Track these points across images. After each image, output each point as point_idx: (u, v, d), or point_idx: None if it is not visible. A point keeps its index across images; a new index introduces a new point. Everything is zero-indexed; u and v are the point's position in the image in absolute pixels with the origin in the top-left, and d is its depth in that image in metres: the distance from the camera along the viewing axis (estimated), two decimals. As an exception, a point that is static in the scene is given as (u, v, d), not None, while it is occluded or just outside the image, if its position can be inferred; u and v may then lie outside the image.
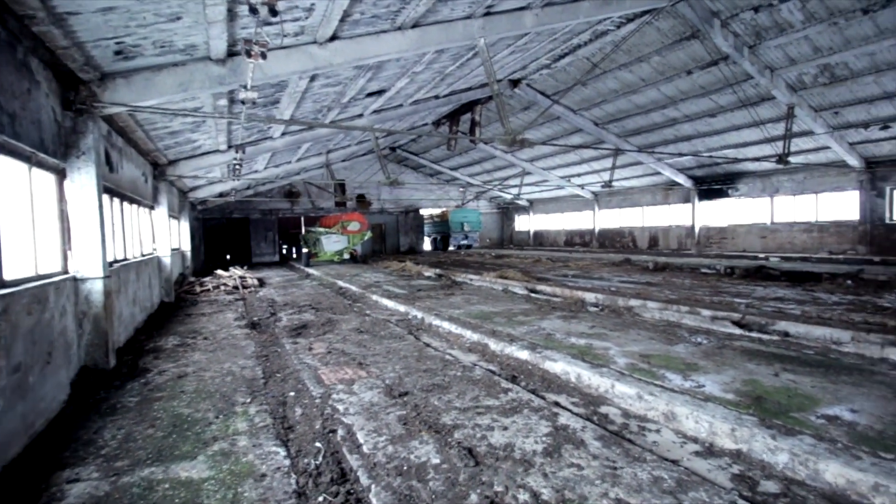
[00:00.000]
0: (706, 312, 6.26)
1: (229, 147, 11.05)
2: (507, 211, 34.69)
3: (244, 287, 13.41)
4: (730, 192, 18.77)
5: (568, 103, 16.62)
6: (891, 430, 2.89)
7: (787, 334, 5.31)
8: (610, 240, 25.40)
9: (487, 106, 17.90)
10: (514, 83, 15.27)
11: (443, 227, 30.81)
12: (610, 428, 3.43)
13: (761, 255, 15.92)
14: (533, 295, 9.23)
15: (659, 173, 20.32)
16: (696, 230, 20.62)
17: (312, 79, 7.83)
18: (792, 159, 15.22)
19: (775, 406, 3.34)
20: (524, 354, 5.06)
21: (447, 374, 4.75)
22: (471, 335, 6.16)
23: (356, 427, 3.61)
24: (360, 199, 29.61)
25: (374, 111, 12.47)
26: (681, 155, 16.05)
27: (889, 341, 4.57)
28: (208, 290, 13.02)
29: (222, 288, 13.36)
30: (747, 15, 10.44)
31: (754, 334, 5.23)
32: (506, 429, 3.43)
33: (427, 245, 33.32)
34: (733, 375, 4.04)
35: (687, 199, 20.84)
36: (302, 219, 28.03)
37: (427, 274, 14.30)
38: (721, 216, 19.87)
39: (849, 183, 15.56)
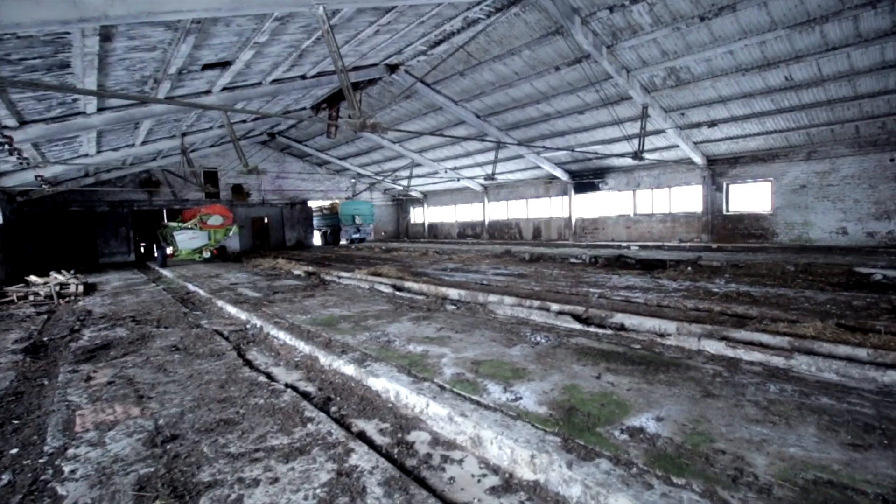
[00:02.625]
0: (555, 307, 6.14)
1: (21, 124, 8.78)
2: (402, 203, 34.02)
3: (61, 296, 10.97)
4: (600, 185, 20.11)
5: (449, 93, 16.32)
6: (689, 443, 2.69)
7: (622, 327, 5.30)
8: (499, 231, 26.03)
9: (369, 91, 16.95)
10: (392, 68, 14.50)
11: (333, 220, 29.17)
12: (408, 463, 2.86)
13: (625, 244, 17.23)
14: (398, 293, 8.62)
15: (539, 167, 21.09)
16: (573, 221, 21.85)
17: (106, 38, 6.27)
18: (648, 156, 16.54)
19: (584, 420, 3.03)
20: (350, 369, 4.37)
21: (247, 404, 3.87)
22: (303, 347, 5.32)
23: (68, 502, 2.60)
24: (237, 189, 26.80)
25: (225, 88, 10.88)
26: (557, 150, 16.66)
27: (707, 332, 4.68)
28: (10, 301, 10.43)
29: (31, 298, 10.80)
30: (604, 14, 10.83)
31: (592, 329, 5.13)
32: (276, 481, 2.68)
33: (317, 239, 31.38)
34: (556, 381, 3.74)
35: (565, 192, 21.97)
36: (164, 212, 24.51)
37: (296, 272, 13.04)
38: (594, 208, 21.26)
39: (694, 178, 17.42)
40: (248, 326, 6.86)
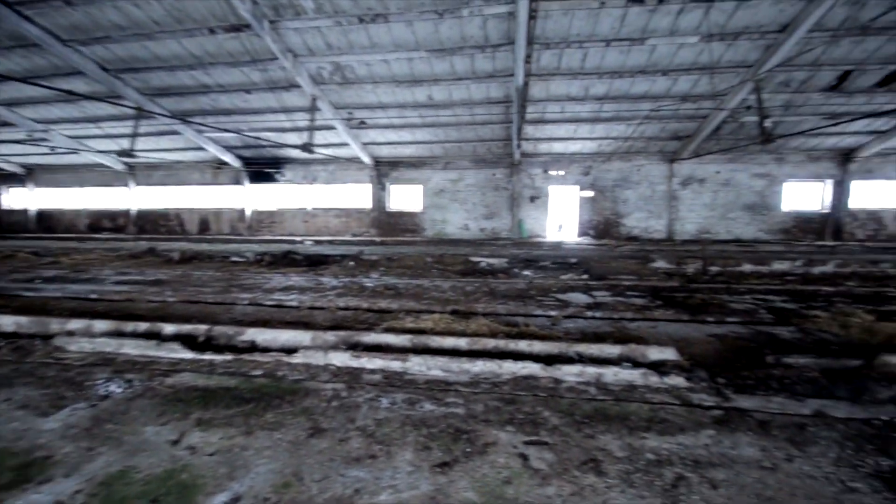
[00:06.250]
0: (169, 329, 4.61)
1: None
2: (-15, 179, 22.97)
3: None
4: (277, 176, 18.91)
5: (50, 26, 11.47)
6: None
7: (253, 346, 4.34)
8: (153, 223, 21.02)
9: None
10: None
11: None
12: None
13: (301, 239, 16.71)
14: None
15: (203, 149, 17.98)
16: (248, 214, 19.82)
17: None
18: (322, 151, 16.45)
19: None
20: None
21: None
22: None
23: None
24: None
25: None
26: (225, 131, 14.31)
27: (340, 340, 4.28)
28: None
29: None
30: (261, -19, 9.65)
31: (207, 357, 3.94)
32: None
33: None
34: (95, 471, 2.39)
35: (238, 181, 19.64)
36: None
37: None
38: (272, 200, 19.88)
39: (364, 177, 18.58)
40: None
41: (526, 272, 9.47)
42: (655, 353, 4.02)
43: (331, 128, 15.58)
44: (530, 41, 10.89)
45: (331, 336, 4.36)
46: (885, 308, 5.98)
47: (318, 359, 3.80)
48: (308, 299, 6.70)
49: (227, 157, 18.52)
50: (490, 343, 4.23)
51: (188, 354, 3.99)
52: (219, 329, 4.58)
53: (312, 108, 13.66)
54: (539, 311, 6.03)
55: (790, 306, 6.27)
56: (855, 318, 5.26)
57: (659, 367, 3.74)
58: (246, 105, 14.85)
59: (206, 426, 2.83)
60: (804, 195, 16.97)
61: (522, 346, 4.19)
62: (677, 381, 3.56)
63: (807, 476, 2.40)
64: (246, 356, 3.95)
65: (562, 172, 17.70)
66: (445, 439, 2.70)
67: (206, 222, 20.29)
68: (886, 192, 16.47)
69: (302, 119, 14.73)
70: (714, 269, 9.69)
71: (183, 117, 14.98)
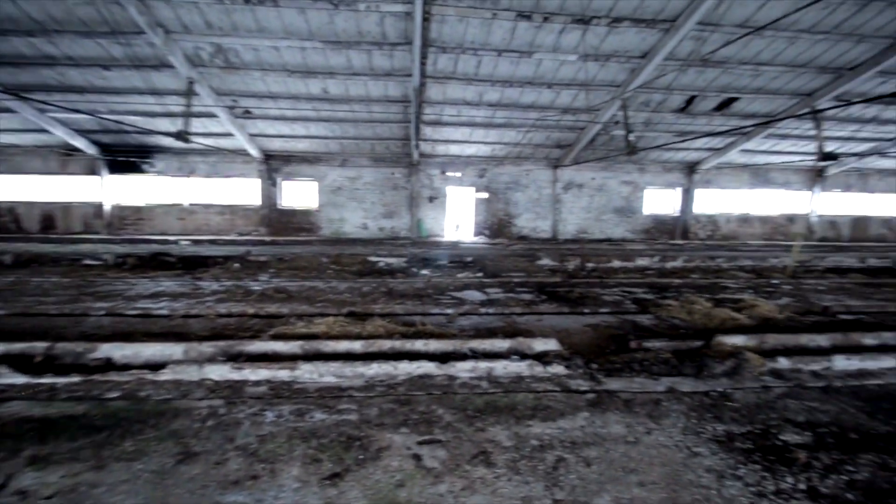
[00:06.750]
0: (-8, 348, 3.77)
1: None
2: None
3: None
4: (145, 167, 16.65)
5: None
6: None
7: (108, 364, 3.74)
8: (-25, 219, 17.16)
9: None
10: None
11: None
12: None
13: (173, 239, 14.93)
14: None
15: (47, 131, 15.14)
16: (108, 209, 17.16)
17: None
18: (201, 140, 14.92)
19: None
20: None
21: None
22: None
23: None
24: None
25: None
26: (76, 112, 12.13)
27: (220, 351, 3.89)
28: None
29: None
30: (119, -61, 8.38)
31: (47, 380, 3.30)
32: None
33: None
34: None
35: (94, 171, 16.88)
36: None
37: None
38: (139, 194, 17.43)
39: (252, 171, 17.21)
40: None
41: (424, 271, 9.57)
42: (540, 345, 4.31)
43: (212, 115, 14.14)
44: (427, 43, 11.02)
45: (208, 347, 3.93)
46: (720, 296, 7.16)
47: (191, 374, 3.40)
48: (182, 307, 6.00)
49: (80, 143, 15.78)
50: (386, 344, 4.18)
51: (19, 379, 3.30)
52: (63, 346, 3.86)
53: (189, 93, 12.25)
54: (436, 310, 6.12)
55: (649, 297, 7.20)
56: (698, 305, 6.21)
57: (543, 358, 4.03)
58: (104, 83, 12.79)
59: (42, 464, 2.35)
60: (661, 200, 19.68)
61: (419, 345, 4.21)
62: (558, 369, 3.87)
63: (662, 446, 2.75)
64: (99, 377, 3.38)
65: (459, 174, 18.25)
66: (337, 449, 2.59)
67: (50, 219, 17.05)
68: (721, 199, 19.82)
69: (176, 104, 13.14)
70: (590, 265, 10.76)
71: (18, 92, 12.42)
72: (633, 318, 5.85)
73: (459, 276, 9.05)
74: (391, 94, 13.68)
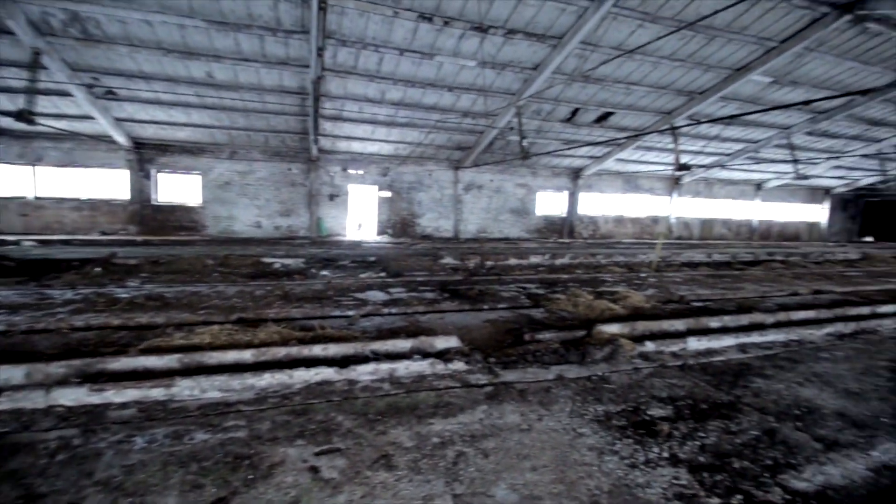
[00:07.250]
0: None
1: None
2: None
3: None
4: (-30, 151, 13.65)
5: None
6: None
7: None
8: None
9: None
10: None
11: None
12: None
13: (13, 239, 12.44)
14: None
15: None
16: (-85, 202, 13.77)
17: None
18: (53, 123, 12.72)
19: None
20: None
21: None
22: None
23: None
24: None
25: None
26: None
27: (73, 371, 3.31)
28: None
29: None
30: None
31: None
32: None
33: None
34: None
35: None
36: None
37: None
38: (-39, 184, 14.24)
39: (119, 161, 15.04)
40: None
41: (324, 272, 9.19)
42: (442, 343, 4.39)
43: (66, 94, 12.05)
44: (326, 34, 10.59)
45: (58, 367, 3.33)
46: (600, 289, 7.95)
47: (35, 400, 2.85)
48: (23, 320, 5.01)
49: None
50: (281, 352, 3.92)
51: None
52: None
53: (35, 65, 10.30)
54: (337, 312, 5.91)
55: (541, 291, 7.73)
56: (581, 297, 6.82)
57: (444, 355, 4.10)
58: None
59: None
60: (551, 202, 21.30)
61: (317, 350, 4.02)
62: (459, 365, 3.96)
63: (552, 430, 2.96)
64: None
65: (361, 172, 17.85)
66: (222, 471, 2.35)
67: None
68: (600, 202, 22.08)
69: (17, 78, 10.96)
70: (489, 263, 11.25)
71: None
72: (527, 313, 6.23)
73: (362, 276, 8.85)
74: (287, 85, 12.92)
